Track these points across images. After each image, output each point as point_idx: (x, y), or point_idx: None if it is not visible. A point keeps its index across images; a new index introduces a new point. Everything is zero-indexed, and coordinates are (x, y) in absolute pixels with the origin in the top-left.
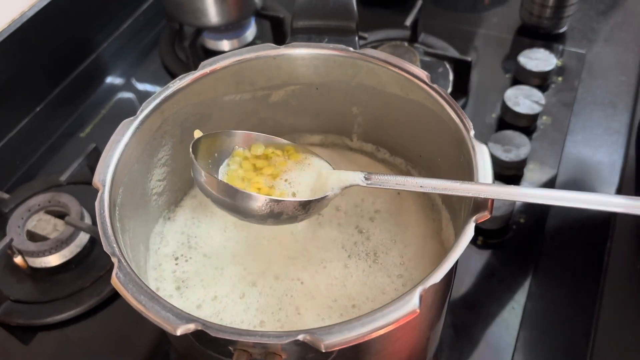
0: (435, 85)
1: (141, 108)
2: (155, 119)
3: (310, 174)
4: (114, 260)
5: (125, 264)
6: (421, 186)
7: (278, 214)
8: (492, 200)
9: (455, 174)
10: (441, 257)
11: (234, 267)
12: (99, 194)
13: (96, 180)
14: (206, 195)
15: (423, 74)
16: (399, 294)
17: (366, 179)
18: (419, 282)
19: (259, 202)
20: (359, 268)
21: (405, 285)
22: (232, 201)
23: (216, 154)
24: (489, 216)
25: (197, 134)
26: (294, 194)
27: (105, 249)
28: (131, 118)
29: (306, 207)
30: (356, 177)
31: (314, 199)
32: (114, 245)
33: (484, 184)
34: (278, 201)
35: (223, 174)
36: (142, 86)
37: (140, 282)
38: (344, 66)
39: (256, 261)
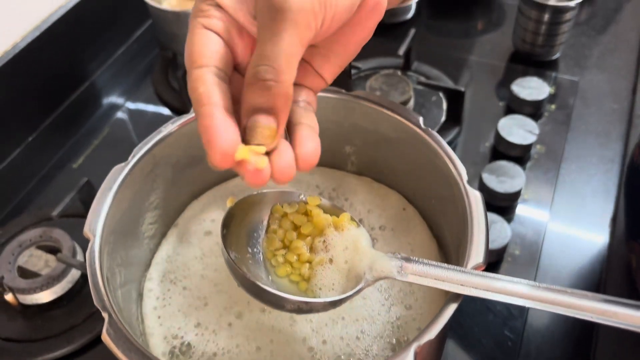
0: (428, 129)
1: (133, 153)
2: (147, 163)
3: (347, 240)
4: (105, 315)
5: (116, 318)
6: (462, 284)
7: (307, 310)
8: (488, 249)
9: (448, 218)
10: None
11: (217, 296)
12: (89, 244)
13: (87, 230)
14: (234, 277)
15: (416, 118)
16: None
17: (400, 272)
18: (414, 339)
19: (288, 302)
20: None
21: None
22: (259, 296)
23: (252, 216)
24: (483, 267)
25: (230, 202)
26: (330, 260)
27: (95, 304)
28: (122, 164)
29: (336, 304)
30: (392, 269)
31: (345, 296)
32: (105, 299)
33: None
34: (308, 302)
35: (262, 236)
36: (135, 115)
37: (131, 339)
38: (336, 107)
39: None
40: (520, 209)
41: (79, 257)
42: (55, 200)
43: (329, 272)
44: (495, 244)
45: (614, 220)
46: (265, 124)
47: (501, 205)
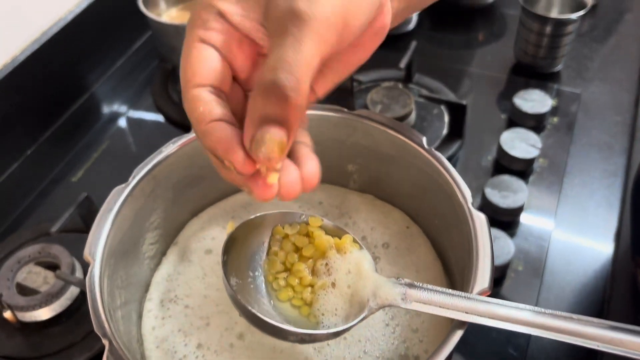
0: (432, 149)
1: (133, 174)
2: (147, 184)
3: (350, 263)
4: (105, 342)
5: (116, 345)
6: (466, 312)
7: (310, 341)
8: (493, 274)
9: (452, 239)
10: None
11: (218, 316)
12: (89, 269)
13: (87, 253)
14: (236, 307)
15: (419, 137)
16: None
17: (404, 300)
18: None
19: (291, 334)
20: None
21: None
22: (261, 326)
23: (253, 239)
24: (489, 292)
25: (230, 227)
26: (333, 284)
27: (96, 330)
28: (123, 185)
29: (339, 334)
30: (396, 296)
31: (348, 326)
32: (105, 326)
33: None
34: (311, 334)
35: (263, 258)
36: (134, 128)
37: None
38: (338, 126)
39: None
40: (523, 224)
41: (78, 273)
42: (54, 214)
43: (331, 296)
44: (498, 260)
45: (618, 235)
46: (275, 137)
47: (504, 220)
